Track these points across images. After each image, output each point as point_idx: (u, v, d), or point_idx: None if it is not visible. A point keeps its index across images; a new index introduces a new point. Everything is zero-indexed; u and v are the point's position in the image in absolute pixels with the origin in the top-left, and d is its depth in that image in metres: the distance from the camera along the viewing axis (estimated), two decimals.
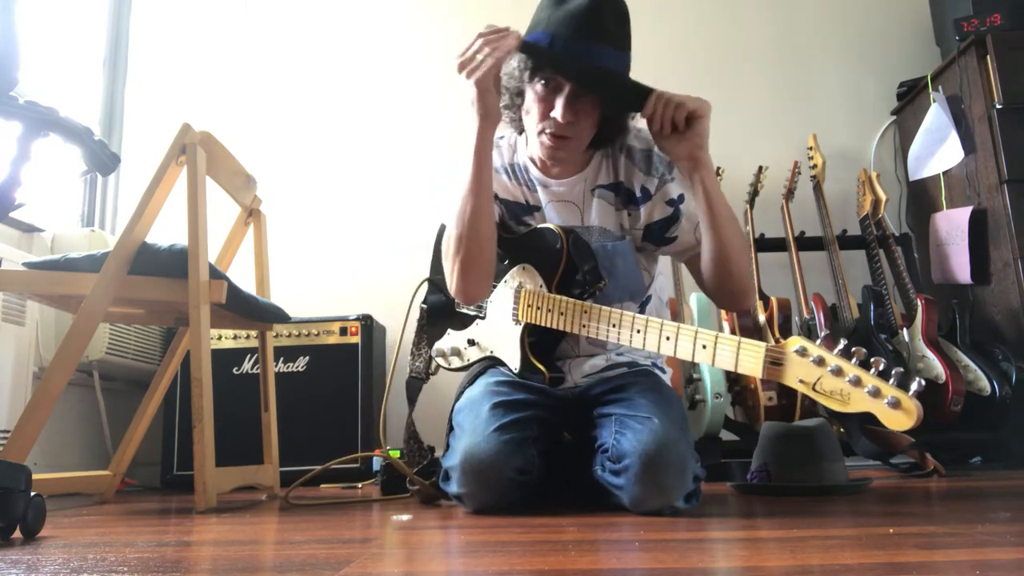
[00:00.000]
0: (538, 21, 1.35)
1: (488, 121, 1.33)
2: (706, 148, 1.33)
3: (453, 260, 1.40)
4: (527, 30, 1.37)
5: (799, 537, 0.93)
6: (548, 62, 1.32)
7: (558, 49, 1.30)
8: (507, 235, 1.52)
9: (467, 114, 1.32)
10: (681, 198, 1.46)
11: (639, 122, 1.44)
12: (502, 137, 1.57)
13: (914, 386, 0.96)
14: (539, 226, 1.48)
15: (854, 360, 1.00)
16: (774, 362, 1.07)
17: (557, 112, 1.33)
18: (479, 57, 1.27)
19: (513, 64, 1.36)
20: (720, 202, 1.35)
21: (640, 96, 1.33)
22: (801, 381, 1.03)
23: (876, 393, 0.96)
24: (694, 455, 1.31)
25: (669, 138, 1.32)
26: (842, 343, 1.03)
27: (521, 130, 1.48)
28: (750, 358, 1.09)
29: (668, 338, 1.20)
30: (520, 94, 1.40)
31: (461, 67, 1.29)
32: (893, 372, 0.97)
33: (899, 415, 0.95)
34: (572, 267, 1.41)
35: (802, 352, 1.04)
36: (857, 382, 0.98)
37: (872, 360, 0.99)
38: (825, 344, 1.06)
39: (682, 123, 1.30)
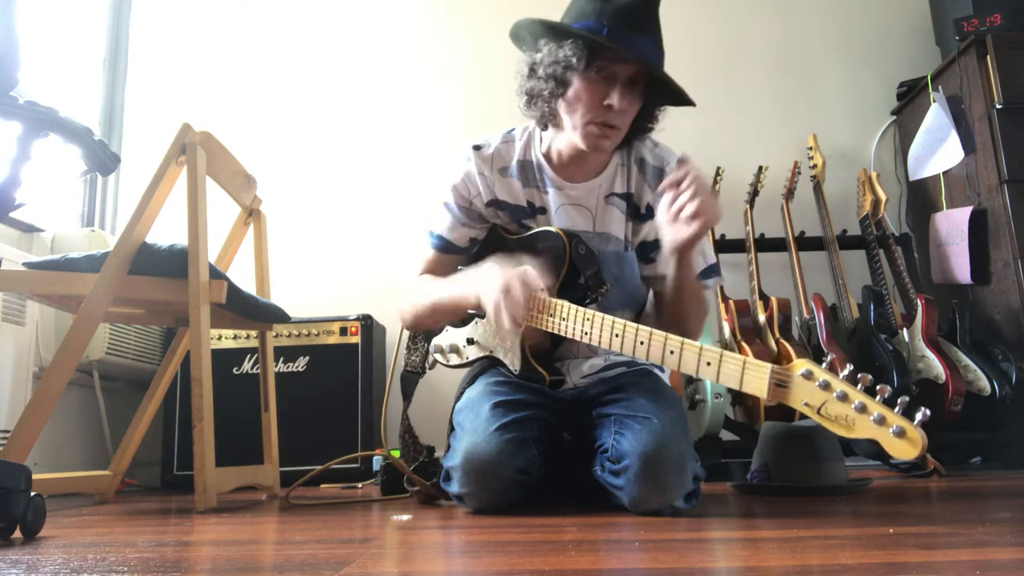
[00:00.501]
0: (585, 12, 1.32)
1: (487, 314, 1.30)
2: (695, 248, 1.37)
3: (407, 314, 1.52)
4: (569, 18, 1.34)
5: (799, 537, 0.93)
6: (616, 45, 1.28)
7: (614, 40, 1.28)
8: (508, 235, 1.51)
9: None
10: None
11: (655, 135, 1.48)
12: (513, 129, 1.53)
13: (919, 416, 0.96)
14: (541, 228, 1.47)
15: (860, 386, 1.00)
16: (779, 384, 1.07)
17: (614, 100, 1.31)
18: (513, 313, 1.25)
19: (567, 51, 1.31)
20: (691, 280, 1.40)
21: (681, 99, 1.38)
22: (806, 404, 1.03)
23: (881, 421, 0.96)
24: (694, 455, 1.31)
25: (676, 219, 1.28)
26: (848, 368, 1.02)
27: (546, 125, 1.45)
28: (755, 378, 1.09)
29: (672, 352, 1.19)
30: (564, 83, 1.35)
31: (497, 306, 1.26)
32: (899, 401, 0.97)
33: (904, 444, 0.94)
34: (575, 271, 1.40)
35: (808, 375, 1.03)
36: (863, 409, 0.98)
37: (878, 387, 0.99)
38: (831, 367, 1.05)
39: (689, 216, 1.25)
